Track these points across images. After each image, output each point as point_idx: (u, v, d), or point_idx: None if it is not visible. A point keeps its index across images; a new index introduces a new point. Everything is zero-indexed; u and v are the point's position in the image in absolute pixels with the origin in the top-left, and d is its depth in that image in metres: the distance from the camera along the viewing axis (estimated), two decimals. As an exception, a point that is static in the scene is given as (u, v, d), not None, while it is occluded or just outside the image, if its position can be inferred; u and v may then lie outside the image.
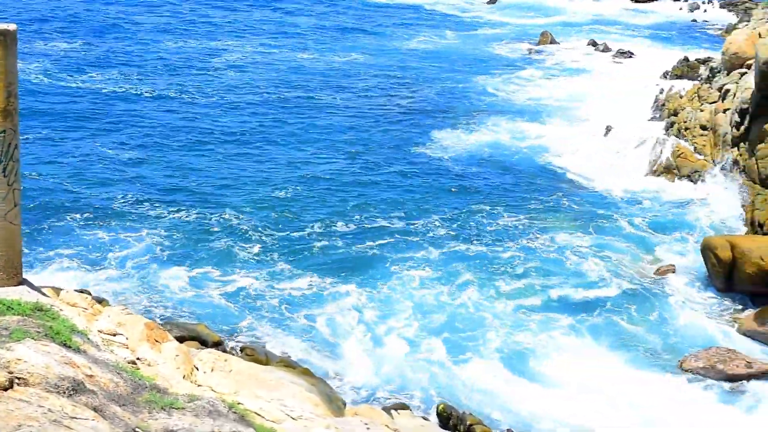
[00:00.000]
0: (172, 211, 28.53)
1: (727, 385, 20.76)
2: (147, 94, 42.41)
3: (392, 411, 17.52)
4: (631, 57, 56.30)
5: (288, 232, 27.60)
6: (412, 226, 28.48)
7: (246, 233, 27.23)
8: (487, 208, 30.51)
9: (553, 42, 61.18)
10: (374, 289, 24.26)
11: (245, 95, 43.81)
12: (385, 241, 27.27)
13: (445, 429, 18.07)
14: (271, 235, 27.36)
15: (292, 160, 34.38)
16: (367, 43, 59.52)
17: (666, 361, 21.77)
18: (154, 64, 48.76)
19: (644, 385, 20.49)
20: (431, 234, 27.98)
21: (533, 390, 20.12)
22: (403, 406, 18.62)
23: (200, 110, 40.37)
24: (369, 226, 28.29)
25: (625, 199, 31.93)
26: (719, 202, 29.82)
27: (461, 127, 40.17)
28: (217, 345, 19.79)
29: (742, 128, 30.50)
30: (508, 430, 18.51)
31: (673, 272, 26.16)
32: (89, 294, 18.21)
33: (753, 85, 30.25)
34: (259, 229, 27.63)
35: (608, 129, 36.51)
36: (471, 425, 18.05)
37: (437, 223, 28.78)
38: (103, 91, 42.23)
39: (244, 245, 26.47)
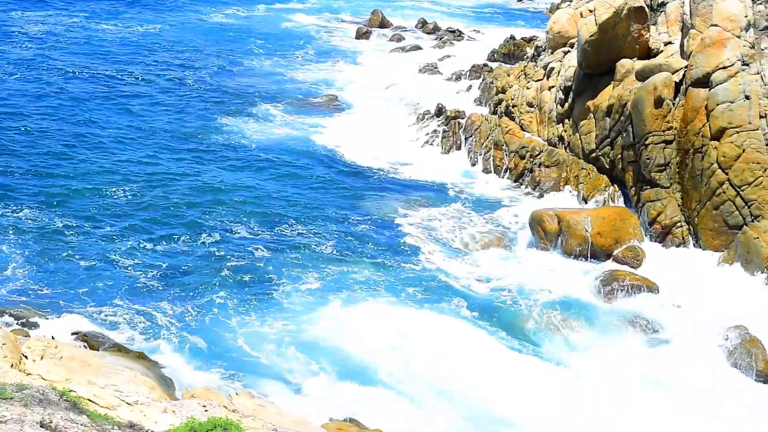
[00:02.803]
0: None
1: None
2: None
3: (231, 392, 17.36)
4: (460, 36, 56.76)
5: (106, 227, 26.62)
6: (225, 225, 27.44)
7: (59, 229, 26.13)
8: (310, 203, 29.77)
9: (384, 23, 60.19)
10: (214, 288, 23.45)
11: (34, 70, 41.87)
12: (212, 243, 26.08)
13: None
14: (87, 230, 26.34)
15: (86, 150, 32.68)
16: (169, 15, 57.47)
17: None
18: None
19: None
20: (258, 234, 27.10)
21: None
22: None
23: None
24: (190, 226, 27.16)
25: (455, 181, 32.48)
26: (545, 174, 30.77)
27: (267, 116, 39.14)
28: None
29: (567, 105, 31.61)
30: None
31: (507, 245, 27.05)
32: None
33: (576, 64, 31.38)
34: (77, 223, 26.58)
35: (440, 109, 37.01)
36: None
37: (259, 221, 27.93)
38: None
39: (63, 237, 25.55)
